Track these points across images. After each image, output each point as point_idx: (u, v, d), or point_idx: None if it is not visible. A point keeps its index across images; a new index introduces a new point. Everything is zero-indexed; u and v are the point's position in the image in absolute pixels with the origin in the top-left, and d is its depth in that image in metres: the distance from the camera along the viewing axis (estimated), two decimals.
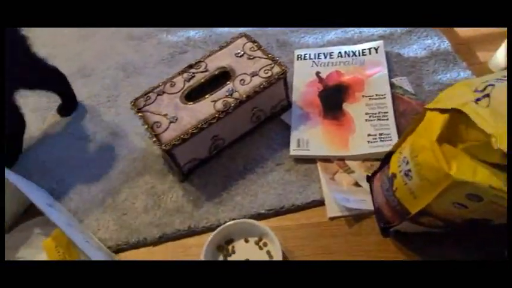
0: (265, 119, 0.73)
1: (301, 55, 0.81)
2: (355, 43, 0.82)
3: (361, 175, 0.64)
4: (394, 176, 0.49)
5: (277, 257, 0.57)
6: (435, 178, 0.41)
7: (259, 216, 0.64)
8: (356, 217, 0.62)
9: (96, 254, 0.57)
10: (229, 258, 0.60)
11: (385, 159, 0.54)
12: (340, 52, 0.80)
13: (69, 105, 0.86)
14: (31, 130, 0.84)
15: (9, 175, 0.61)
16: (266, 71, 0.67)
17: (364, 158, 0.66)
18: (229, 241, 0.62)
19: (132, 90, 0.86)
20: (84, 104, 0.86)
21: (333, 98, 0.73)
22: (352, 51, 0.79)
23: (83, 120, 0.83)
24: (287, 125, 0.73)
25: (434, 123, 0.42)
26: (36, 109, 0.88)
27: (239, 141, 0.72)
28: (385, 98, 0.70)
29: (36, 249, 0.65)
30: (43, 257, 0.63)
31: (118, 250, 0.65)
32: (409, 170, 0.45)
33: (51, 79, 0.82)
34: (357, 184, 0.64)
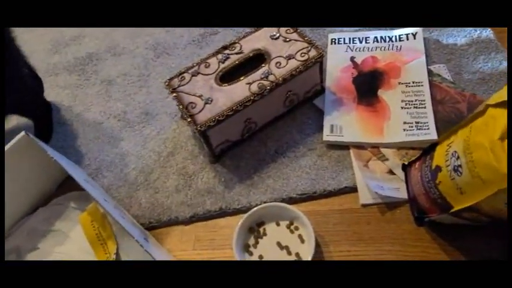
0: (298, 103, 0.72)
1: (335, 39, 0.80)
2: (390, 28, 0.79)
3: (395, 163, 0.64)
4: (439, 168, 0.48)
5: (310, 241, 0.57)
6: (491, 178, 0.39)
7: (291, 200, 0.64)
8: (389, 205, 0.61)
9: (132, 229, 0.58)
10: (260, 240, 0.61)
11: (428, 150, 0.53)
12: (376, 37, 0.78)
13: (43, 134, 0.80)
14: (63, 108, 0.85)
15: (48, 149, 0.62)
16: (303, 54, 0.65)
17: (399, 146, 0.65)
18: (261, 223, 0.62)
19: (163, 70, 0.86)
20: (114, 82, 0.87)
21: (368, 84, 0.72)
22: (389, 36, 0.77)
23: (114, 98, 0.84)
24: (320, 110, 0.72)
25: (498, 120, 0.40)
26: (67, 86, 0.89)
27: (271, 124, 0.72)
28: (422, 85, 0.68)
29: (71, 222, 0.67)
30: (78, 229, 0.65)
31: (150, 227, 0.66)
32: (459, 166, 0.44)
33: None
34: (390, 172, 0.63)
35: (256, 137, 0.72)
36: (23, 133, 0.61)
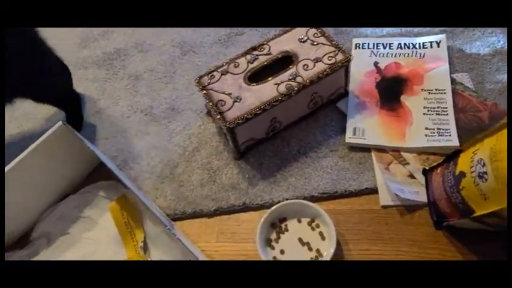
0: (321, 105, 0.74)
1: (359, 44, 0.81)
2: (415, 35, 0.81)
3: (416, 167, 0.65)
4: (463, 174, 0.50)
5: (330, 238, 0.60)
6: None
7: (312, 199, 0.66)
8: (408, 208, 0.63)
9: (162, 218, 0.61)
10: (282, 236, 0.63)
11: (452, 156, 0.55)
12: (400, 44, 0.79)
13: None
14: (91, 100, 0.88)
15: (84, 140, 0.65)
16: (330, 58, 0.68)
17: (421, 151, 0.66)
18: (283, 219, 0.64)
19: (189, 68, 0.89)
20: (141, 77, 0.90)
21: (391, 90, 0.73)
22: (413, 43, 0.79)
23: (141, 93, 0.87)
24: (342, 112, 0.74)
25: None
26: (95, 80, 0.92)
27: (294, 125, 0.74)
28: (445, 93, 0.70)
29: (100, 210, 0.70)
30: (107, 217, 0.68)
31: (175, 219, 0.69)
32: (485, 173, 0.45)
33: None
34: (411, 176, 0.65)
35: (279, 136, 0.74)
36: (60, 123, 0.64)
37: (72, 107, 0.84)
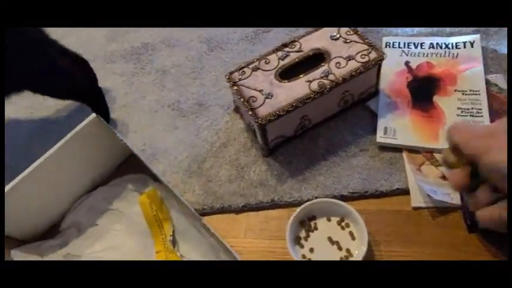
0: (351, 104, 0.74)
1: (389, 43, 0.80)
2: (447, 35, 0.80)
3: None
4: None
5: (361, 238, 0.59)
6: None
7: (342, 198, 0.65)
8: (440, 210, 0.62)
9: (193, 212, 0.61)
10: (311, 234, 0.63)
11: None
12: (432, 43, 0.78)
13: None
14: (119, 94, 0.89)
15: (115, 131, 0.65)
16: (363, 56, 0.67)
17: None
18: (312, 218, 0.64)
19: (216, 64, 0.89)
20: (169, 72, 0.90)
21: (423, 90, 0.72)
22: (445, 43, 0.77)
23: (168, 87, 0.87)
24: (372, 111, 0.73)
25: None
26: (123, 74, 0.93)
27: (323, 123, 0.74)
28: (479, 94, 0.69)
29: (130, 203, 0.70)
30: (136, 210, 0.69)
31: (203, 213, 0.69)
32: None
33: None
34: (443, 177, 0.64)
35: (308, 134, 0.73)
36: (93, 115, 0.65)
37: (96, 102, 0.85)
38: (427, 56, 0.77)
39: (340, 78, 0.65)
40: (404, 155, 0.67)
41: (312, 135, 0.73)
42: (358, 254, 0.59)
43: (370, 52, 0.67)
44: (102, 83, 0.90)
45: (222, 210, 0.69)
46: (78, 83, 0.79)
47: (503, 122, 0.40)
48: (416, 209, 0.63)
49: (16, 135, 0.86)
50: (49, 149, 0.62)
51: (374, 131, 0.71)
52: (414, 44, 0.79)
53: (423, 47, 0.78)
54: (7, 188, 0.59)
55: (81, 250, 0.67)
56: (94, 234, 0.68)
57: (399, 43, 0.80)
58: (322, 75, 0.66)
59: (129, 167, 0.75)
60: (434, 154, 0.66)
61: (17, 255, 0.63)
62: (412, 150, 0.67)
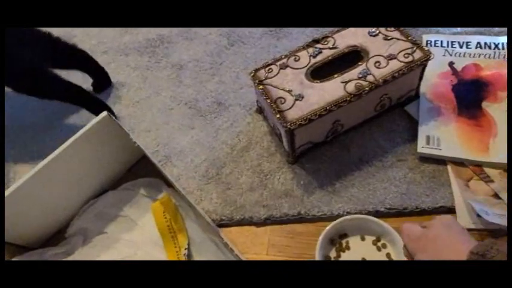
0: (388, 108, 0.66)
1: (431, 41, 0.73)
2: (496, 34, 0.72)
3: (501, 186, 0.57)
4: None
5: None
6: None
7: (377, 214, 0.58)
8: (491, 232, 0.55)
9: (209, 223, 0.55)
10: (342, 254, 0.56)
11: None
12: (479, 43, 0.70)
13: (101, 82, 0.82)
14: (132, 89, 0.83)
15: (127, 131, 0.59)
16: (406, 55, 0.59)
17: (507, 168, 0.58)
18: (343, 235, 0.57)
19: (237, 59, 0.82)
20: (186, 67, 0.84)
21: (470, 95, 0.65)
22: (494, 43, 0.70)
23: (185, 83, 0.81)
24: (412, 117, 0.66)
25: None
26: (137, 67, 0.86)
27: (356, 129, 0.67)
28: None
29: (140, 209, 0.64)
30: (148, 218, 0.63)
31: (220, 225, 0.63)
32: None
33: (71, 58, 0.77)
34: (495, 195, 0.57)
35: (338, 140, 0.66)
36: (104, 113, 0.59)
37: (85, 65, 0.80)
38: (473, 56, 0.69)
39: (381, 80, 0.58)
40: (450, 168, 0.60)
41: (343, 141, 0.66)
42: None
43: (414, 51, 0.60)
44: (114, 76, 0.84)
45: (242, 222, 0.62)
46: (62, 87, 0.72)
47: (433, 227, 0.45)
48: None
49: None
50: (55, 148, 0.56)
51: (413, 138, 0.64)
52: (459, 43, 0.71)
53: (469, 46, 0.70)
54: (10, 189, 0.54)
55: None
56: (101, 243, 0.63)
57: (442, 42, 0.72)
58: (360, 76, 0.59)
59: (141, 170, 0.69)
60: (484, 168, 0.59)
61: None
62: (459, 162, 0.60)
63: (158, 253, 0.60)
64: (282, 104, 0.59)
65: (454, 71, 0.68)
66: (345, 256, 0.56)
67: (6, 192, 0.54)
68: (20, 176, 0.65)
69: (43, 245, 0.64)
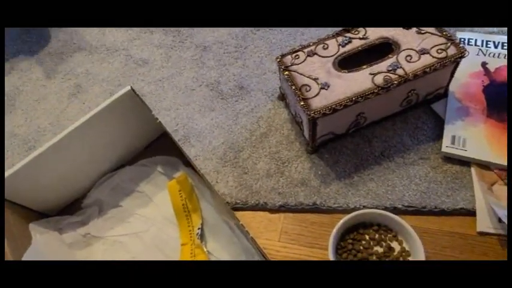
0: (414, 104, 0.65)
1: (464, 39, 0.70)
2: None
3: None
4: None
5: (418, 259, 0.51)
6: None
7: (395, 211, 0.57)
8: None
9: (224, 206, 0.55)
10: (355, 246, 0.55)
11: None
12: None
13: None
14: (155, 67, 0.82)
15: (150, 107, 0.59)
16: (440, 51, 0.57)
17: None
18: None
19: (262, 44, 0.81)
20: (210, 49, 0.83)
21: (502, 97, 0.63)
22: None
23: (208, 65, 0.80)
24: (438, 116, 0.64)
25: None
26: (161, 45, 0.86)
27: (378, 123, 0.65)
28: None
29: (156, 186, 0.65)
30: (163, 196, 0.63)
31: (235, 208, 0.63)
32: None
33: None
34: None
35: (360, 133, 0.65)
36: (128, 87, 0.59)
37: None
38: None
39: (411, 74, 0.56)
40: (474, 170, 0.58)
41: (364, 134, 0.65)
42: None
43: (448, 47, 0.58)
44: (138, 53, 0.84)
45: (257, 208, 0.62)
46: None
47: None
48: (482, 234, 0.54)
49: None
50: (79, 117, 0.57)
51: (438, 137, 0.62)
52: (494, 42, 0.69)
53: (504, 47, 0.68)
54: (31, 155, 0.55)
55: (101, 232, 0.62)
56: (116, 216, 0.63)
57: (476, 40, 0.70)
58: (389, 69, 0.57)
59: (159, 148, 0.69)
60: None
61: (35, 229, 0.59)
62: (484, 165, 0.58)
63: (171, 230, 0.60)
64: (307, 91, 0.58)
65: (487, 72, 0.66)
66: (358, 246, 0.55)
67: (28, 158, 0.54)
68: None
69: (60, 213, 0.65)
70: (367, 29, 0.62)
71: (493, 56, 0.67)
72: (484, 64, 0.67)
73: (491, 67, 0.66)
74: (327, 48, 0.62)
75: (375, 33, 0.62)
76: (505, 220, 0.52)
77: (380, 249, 0.55)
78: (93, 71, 0.83)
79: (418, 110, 0.66)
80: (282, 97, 0.72)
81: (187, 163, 0.62)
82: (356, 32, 0.63)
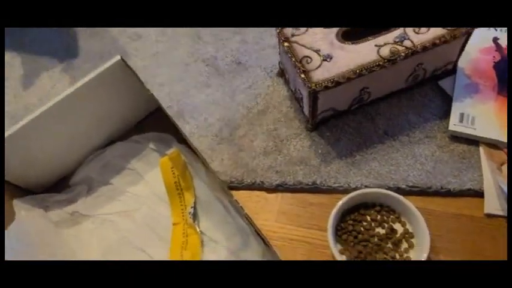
0: (421, 80, 0.61)
1: None
2: None
3: None
4: None
5: (422, 243, 0.49)
6: None
7: (398, 191, 0.54)
8: None
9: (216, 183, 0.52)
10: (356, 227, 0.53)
11: None
12: None
13: None
14: (149, 40, 0.78)
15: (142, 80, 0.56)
16: None
17: None
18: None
19: None
20: None
21: None
22: None
23: (205, 40, 0.76)
24: (446, 93, 0.61)
25: None
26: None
27: (382, 100, 0.62)
28: None
29: (148, 164, 0.62)
30: (155, 173, 0.60)
31: (230, 187, 0.60)
32: None
33: None
34: None
35: (363, 110, 0.62)
36: (118, 57, 0.55)
37: None
38: None
39: (419, 46, 0.53)
40: (482, 149, 0.55)
41: (367, 111, 0.62)
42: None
43: None
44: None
45: (253, 187, 0.59)
46: None
47: None
48: (489, 216, 0.52)
49: None
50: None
51: (445, 115, 0.59)
52: None
53: None
54: (16, 126, 0.51)
55: (90, 210, 0.59)
56: (106, 194, 0.61)
57: None
58: (397, 40, 0.54)
59: (151, 124, 0.66)
60: None
61: (19, 206, 0.56)
62: (493, 144, 0.55)
63: (163, 209, 0.58)
64: (308, 63, 0.54)
65: (498, 47, 0.62)
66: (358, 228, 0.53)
67: (13, 129, 0.51)
68: None
69: (46, 191, 0.62)
70: None
71: (505, 32, 0.64)
72: (495, 39, 0.63)
73: (503, 42, 0.63)
74: None
75: None
76: None
77: (382, 231, 0.52)
78: (85, 47, 0.79)
79: (425, 87, 0.62)
80: (282, 73, 0.68)
81: (181, 140, 0.59)
82: None
